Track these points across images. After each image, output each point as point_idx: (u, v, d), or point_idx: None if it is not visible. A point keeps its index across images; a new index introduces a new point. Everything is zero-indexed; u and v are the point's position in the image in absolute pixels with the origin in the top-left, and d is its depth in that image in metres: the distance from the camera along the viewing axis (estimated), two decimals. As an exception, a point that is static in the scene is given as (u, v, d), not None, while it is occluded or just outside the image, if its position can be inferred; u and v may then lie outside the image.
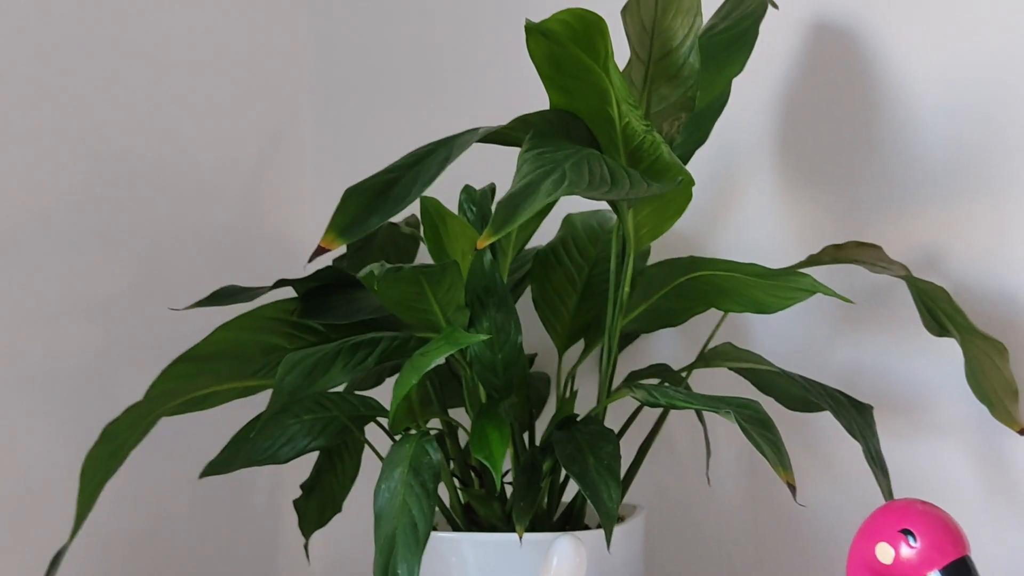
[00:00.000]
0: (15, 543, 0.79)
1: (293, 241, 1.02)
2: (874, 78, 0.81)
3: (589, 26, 0.59)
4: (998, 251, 0.77)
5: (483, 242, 0.52)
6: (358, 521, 0.91)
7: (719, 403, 0.60)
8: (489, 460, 0.59)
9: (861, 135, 0.81)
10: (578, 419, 0.68)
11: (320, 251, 0.58)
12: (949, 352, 0.77)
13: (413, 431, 0.67)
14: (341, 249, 0.93)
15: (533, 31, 0.59)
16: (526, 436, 0.74)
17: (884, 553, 0.56)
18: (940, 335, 0.75)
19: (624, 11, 0.65)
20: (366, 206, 0.59)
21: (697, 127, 0.74)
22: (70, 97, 0.86)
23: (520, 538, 0.61)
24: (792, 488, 0.57)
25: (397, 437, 0.71)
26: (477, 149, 0.82)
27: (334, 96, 1.04)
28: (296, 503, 0.82)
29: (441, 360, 0.59)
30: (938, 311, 0.75)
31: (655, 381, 0.76)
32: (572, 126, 0.64)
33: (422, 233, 0.70)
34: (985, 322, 0.76)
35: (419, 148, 0.63)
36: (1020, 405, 0.75)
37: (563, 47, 0.60)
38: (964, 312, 0.75)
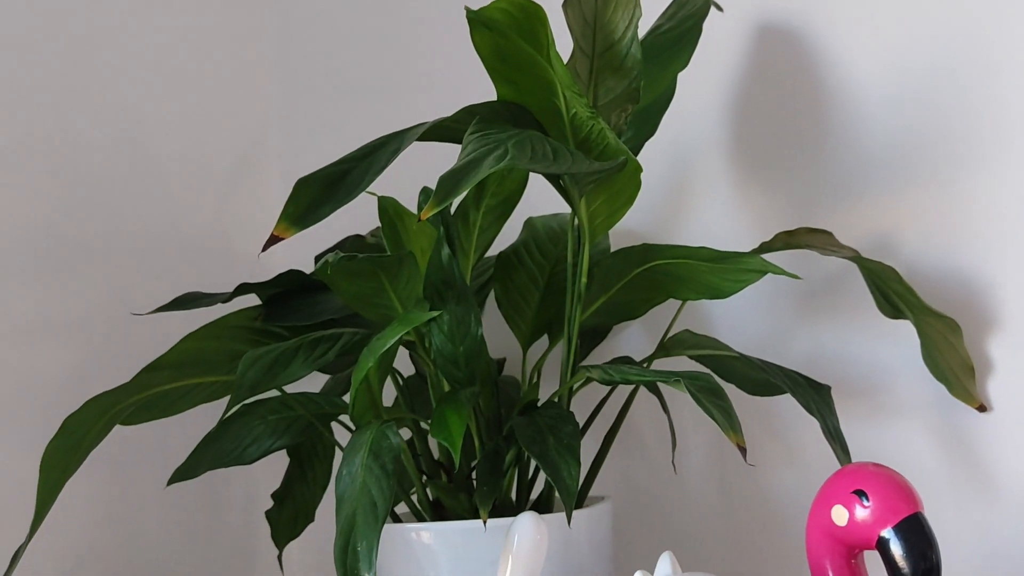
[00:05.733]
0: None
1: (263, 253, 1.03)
2: (819, 70, 0.83)
3: (530, 16, 0.61)
4: (947, 233, 0.78)
5: (426, 213, 0.53)
6: (332, 530, 0.91)
7: (670, 375, 0.61)
8: (448, 440, 0.60)
9: (809, 126, 0.83)
10: (539, 405, 0.69)
11: (273, 240, 0.59)
12: (906, 334, 0.78)
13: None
14: (308, 260, 0.94)
15: (476, 23, 0.61)
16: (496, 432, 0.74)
17: (839, 515, 0.57)
18: (894, 317, 0.76)
19: (565, 5, 0.67)
20: (318, 196, 0.60)
21: (645, 120, 0.75)
22: (38, 114, 0.87)
23: (484, 523, 0.61)
24: (742, 450, 0.58)
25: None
26: (439, 151, 0.84)
27: (302, 105, 1.05)
28: (268, 514, 0.82)
29: (396, 341, 0.60)
30: (890, 292, 0.76)
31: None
32: (520, 118, 0.66)
33: (382, 231, 0.71)
34: (938, 302, 0.78)
35: (370, 141, 0.65)
36: (976, 382, 0.77)
37: (507, 38, 0.62)
38: (915, 291, 0.76)
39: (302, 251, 0.97)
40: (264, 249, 0.59)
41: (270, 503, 0.83)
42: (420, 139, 0.63)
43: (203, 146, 0.99)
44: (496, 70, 0.65)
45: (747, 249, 0.84)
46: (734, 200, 0.86)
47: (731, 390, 0.77)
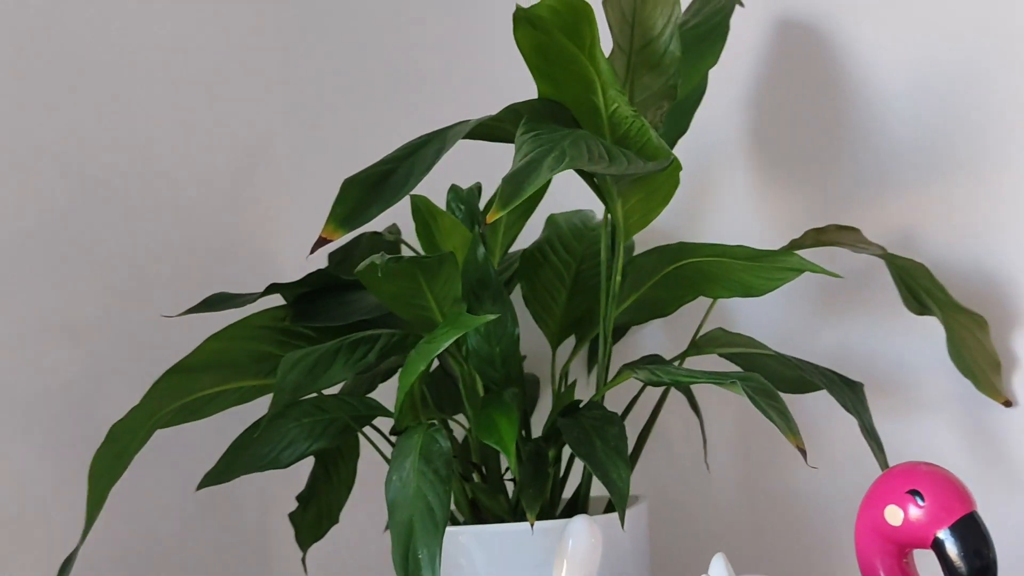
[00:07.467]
0: (1, 566, 0.77)
1: (271, 253, 1.02)
2: (842, 65, 0.83)
3: (576, 12, 0.60)
4: (972, 227, 0.79)
5: (492, 217, 0.53)
6: (355, 532, 0.90)
7: (724, 377, 0.61)
8: (500, 444, 0.59)
9: (832, 121, 0.83)
10: (581, 405, 0.68)
11: (321, 242, 0.58)
12: (933, 329, 0.79)
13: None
14: (321, 259, 0.93)
15: (521, 20, 0.60)
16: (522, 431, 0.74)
17: (893, 515, 0.57)
18: (921, 313, 0.76)
19: (605, 2, 0.66)
20: (364, 196, 0.59)
21: (678, 118, 0.75)
22: (45, 116, 0.86)
23: (532, 526, 0.61)
24: (802, 452, 0.58)
25: (395, 438, 0.70)
26: (461, 150, 0.83)
27: (308, 109, 1.04)
28: (292, 516, 0.81)
29: (448, 344, 0.59)
30: (918, 289, 0.76)
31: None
32: (559, 115, 0.65)
33: (415, 230, 0.70)
34: (963, 297, 0.78)
35: (412, 140, 0.64)
36: (1003, 377, 0.77)
37: (549, 35, 0.61)
38: (945, 287, 0.77)
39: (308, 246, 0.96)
40: (312, 251, 0.58)
41: (285, 504, 0.82)
42: (464, 138, 0.62)
43: (210, 146, 0.98)
44: (537, 67, 0.64)
45: (773, 247, 0.84)
46: (757, 197, 0.86)
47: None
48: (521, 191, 0.53)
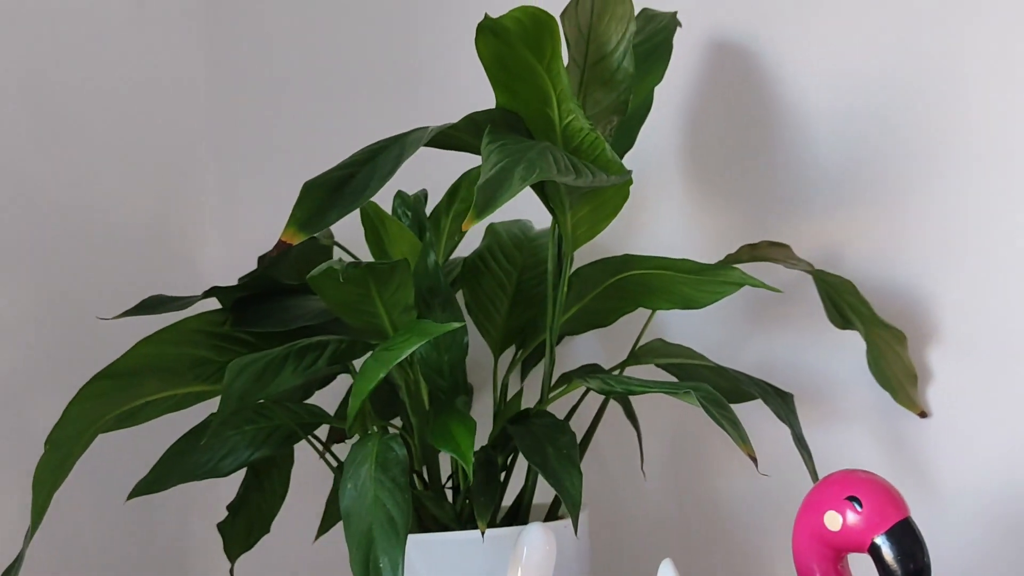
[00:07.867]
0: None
1: (197, 256, 1.00)
2: (771, 87, 0.86)
3: (540, 25, 0.61)
4: (894, 245, 0.82)
5: (467, 225, 0.53)
6: (285, 542, 0.88)
7: (677, 387, 0.63)
8: (457, 452, 0.59)
9: (763, 140, 0.86)
10: (530, 414, 0.69)
11: (282, 245, 0.57)
12: (853, 343, 0.82)
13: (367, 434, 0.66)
14: (251, 263, 0.91)
15: (485, 29, 0.61)
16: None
17: (832, 521, 0.59)
18: (844, 327, 0.80)
19: (563, 16, 0.67)
20: (324, 200, 0.59)
21: (626, 132, 0.76)
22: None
23: (483, 534, 0.61)
24: (753, 459, 0.60)
25: (347, 442, 0.69)
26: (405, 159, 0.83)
27: (233, 113, 1.03)
28: (221, 526, 0.79)
29: (410, 352, 0.58)
30: (843, 304, 0.80)
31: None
32: (515, 125, 0.66)
33: (364, 236, 0.70)
34: (885, 312, 0.82)
35: (370, 145, 0.63)
36: (920, 389, 0.81)
37: (510, 46, 0.62)
38: (869, 303, 0.80)
39: (243, 250, 0.94)
40: (275, 253, 0.57)
41: (204, 512, 0.80)
42: (423, 145, 0.62)
43: (136, 149, 0.96)
44: (496, 77, 0.64)
45: (701, 260, 0.86)
46: (690, 212, 0.88)
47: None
48: (496, 200, 0.53)
